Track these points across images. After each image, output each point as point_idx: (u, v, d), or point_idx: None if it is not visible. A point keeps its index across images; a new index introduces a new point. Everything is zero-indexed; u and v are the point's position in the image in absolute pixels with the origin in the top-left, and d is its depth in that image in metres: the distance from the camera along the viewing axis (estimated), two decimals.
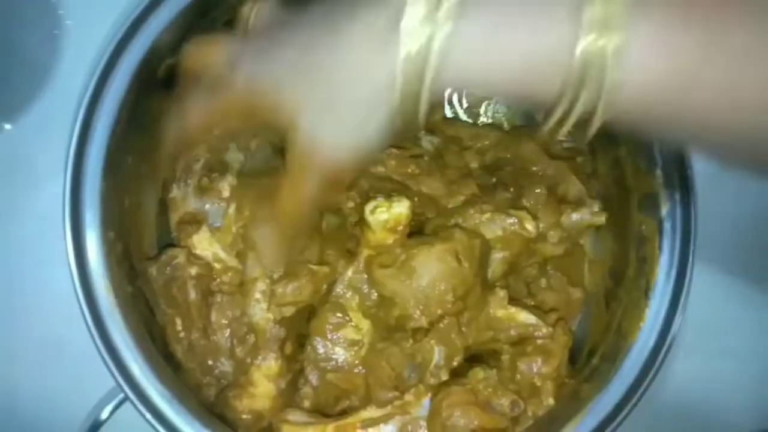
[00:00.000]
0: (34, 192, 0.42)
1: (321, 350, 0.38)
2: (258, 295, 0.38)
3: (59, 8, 0.44)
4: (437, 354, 0.38)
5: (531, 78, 0.24)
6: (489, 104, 0.49)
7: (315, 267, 0.38)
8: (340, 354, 0.38)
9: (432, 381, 0.38)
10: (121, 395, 0.32)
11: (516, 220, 0.37)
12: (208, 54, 0.32)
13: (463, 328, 0.38)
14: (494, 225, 0.37)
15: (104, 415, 0.33)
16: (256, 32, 0.30)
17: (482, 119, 0.48)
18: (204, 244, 0.39)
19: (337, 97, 0.27)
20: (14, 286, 0.42)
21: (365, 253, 0.38)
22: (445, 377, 0.37)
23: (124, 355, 0.32)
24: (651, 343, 0.35)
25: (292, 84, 0.27)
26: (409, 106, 0.25)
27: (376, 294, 0.38)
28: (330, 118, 0.27)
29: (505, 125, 0.48)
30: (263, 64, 0.28)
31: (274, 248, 0.37)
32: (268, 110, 0.28)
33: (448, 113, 0.48)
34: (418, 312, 0.36)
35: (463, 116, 0.48)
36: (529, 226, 0.37)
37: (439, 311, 0.36)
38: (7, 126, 0.44)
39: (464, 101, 0.49)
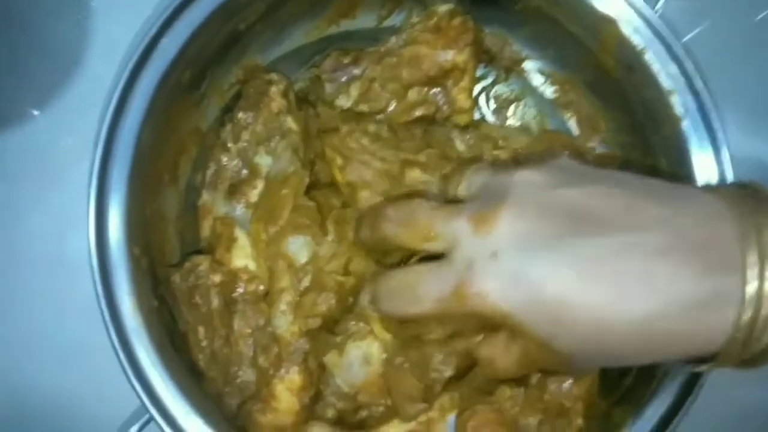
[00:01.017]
0: (61, 180, 0.42)
1: (338, 381, 0.38)
2: (284, 307, 0.37)
3: None
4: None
5: None
6: (518, 105, 0.47)
7: (342, 278, 0.37)
8: (359, 374, 0.38)
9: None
10: (147, 415, 0.31)
11: None
12: (426, 227, 0.31)
13: None
14: None
15: None
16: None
17: (510, 121, 0.47)
18: (240, 258, 0.38)
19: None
20: (34, 284, 0.41)
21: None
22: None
23: (151, 377, 0.31)
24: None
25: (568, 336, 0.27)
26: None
27: None
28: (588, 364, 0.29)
29: (534, 128, 0.47)
30: (524, 288, 0.27)
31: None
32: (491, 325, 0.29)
33: (476, 116, 0.46)
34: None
35: (491, 118, 0.47)
36: None
37: None
38: (35, 112, 0.43)
39: (491, 102, 0.47)
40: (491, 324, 0.29)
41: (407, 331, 0.36)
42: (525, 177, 0.29)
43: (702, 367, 0.29)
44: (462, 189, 0.33)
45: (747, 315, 0.25)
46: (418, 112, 0.42)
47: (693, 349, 0.27)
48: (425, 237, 0.31)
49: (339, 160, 0.39)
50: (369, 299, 0.37)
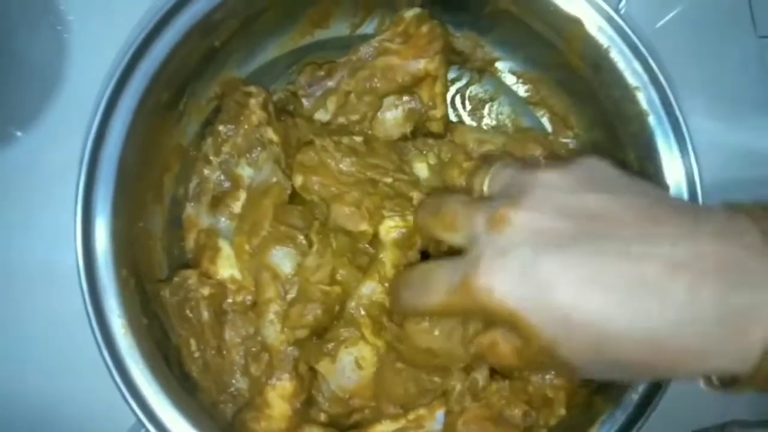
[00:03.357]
0: (47, 201, 0.42)
1: (332, 387, 0.39)
2: (272, 317, 0.38)
3: (60, 4, 0.43)
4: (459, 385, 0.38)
5: None
6: (492, 105, 0.48)
7: (327, 288, 0.38)
8: (352, 379, 0.38)
9: (457, 409, 0.38)
10: (143, 430, 0.32)
11: None
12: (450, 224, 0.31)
13: None
14: None
15: None
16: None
17: (486, 121, 0.48)
18: (225, 268, 0.39)
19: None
20: (25, 305, 0.41)
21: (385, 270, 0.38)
22: (468, 402, 0.38)
23: (146, 393, 0.32)
24: None
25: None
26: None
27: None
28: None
29: (510, 127, 0.48)
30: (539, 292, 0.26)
31: None
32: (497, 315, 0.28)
33: (452, 117, 0.47)
34: None
35: (467, 119, 0.48)
36: None
37: None
38: (19, 134, 0.43)
39: (467, 103, 0.48)
40: (497, 322, 0.29)
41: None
42: (547, 179, 0.29)
43: (720, 390, 0.27)
44: (486, 185, 0.33)
45: None
46: None
47: (709, 368, 0.26)
48: (447, 227, 0.32)
49: (299, 178, 0.39)
50: (388, 294, 0.37)
